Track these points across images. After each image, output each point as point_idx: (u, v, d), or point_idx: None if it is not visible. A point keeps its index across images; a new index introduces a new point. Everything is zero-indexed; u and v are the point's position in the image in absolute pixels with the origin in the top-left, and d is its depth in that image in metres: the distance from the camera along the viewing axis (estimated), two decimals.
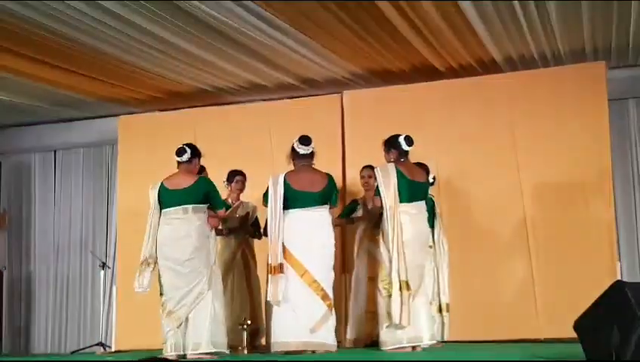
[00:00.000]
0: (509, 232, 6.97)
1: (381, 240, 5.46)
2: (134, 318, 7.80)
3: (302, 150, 5.59)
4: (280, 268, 5.33)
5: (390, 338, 5.34)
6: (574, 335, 3.95)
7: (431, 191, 6.12)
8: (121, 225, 8.50)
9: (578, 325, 3.92)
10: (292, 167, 5.68)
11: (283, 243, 5.40)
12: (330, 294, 5.45)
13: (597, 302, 3.87)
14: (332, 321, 5.45)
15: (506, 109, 7.17)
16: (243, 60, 6.90)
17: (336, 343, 5.49)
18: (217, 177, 6.81)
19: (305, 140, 5.62)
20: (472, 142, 7.21)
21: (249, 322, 6.09)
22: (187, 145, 5.70)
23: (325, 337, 5.37)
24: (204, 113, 8.31)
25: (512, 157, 7.07)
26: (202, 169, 6.36)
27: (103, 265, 8.40)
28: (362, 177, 6.45)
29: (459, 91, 7.37)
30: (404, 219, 5.42)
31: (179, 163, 5.66)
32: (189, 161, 5.67)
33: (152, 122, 8.55)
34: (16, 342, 9.37)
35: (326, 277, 5.47)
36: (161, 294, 5.44)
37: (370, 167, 6.12)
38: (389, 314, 5.28)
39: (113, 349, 8.06)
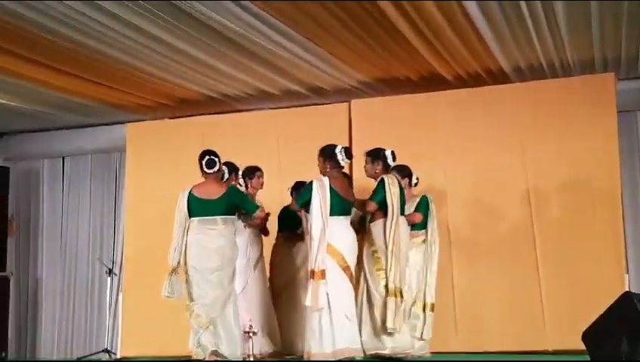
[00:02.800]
0: (517, 243, 6.94)
1: (383, 247, 5.49)
2: (140, 325, 7.81)
3: (343, 162, 5.62)
4: (323, 274, 5.30)
5: (394, 344, 5.39)
6: (582, 346, 3.93)
7: (415, 191, 6.16)
8: (128, 232, 8.52)
9: (586, 336, 3.90)
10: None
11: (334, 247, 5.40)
12: None
13: (605, 313, 3.85)
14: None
15: (514, 119, 7.16)
16: (252, 68, 6.92)
17: None
18: None
19: (350, 154, 5.66)
20: (480, 152, 7.20)
21: (255, 330, 6.05)
22: (212, 154, 5.68)
23: (359, 342, 5.42)
24: (212, 120, 8.33)
25: (520, 168, 7.06)
26: (236, 169, 6.25)
27: (110, 272, 8.42)
28: None
29: (467, 101, 7.36)
30: (402, 230, 5.56)
31: (208, 173, 5.66)
32: (218, 171, 5.70)
33: (160, 129, 8.57)
34: (22, 347, 9.38)
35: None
36: (191, 300, 5.46)
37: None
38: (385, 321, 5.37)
39: (118, 356, 8.06)
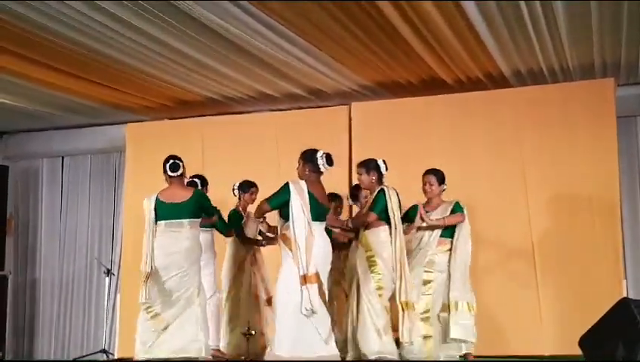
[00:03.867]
0: (515, 247, 6.94)
1: (383, 256, 5.45)
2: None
3: (323, 168, 5.47)
4: (313, 278, 5.21)
5: (380, 349, 5.33)
6: (579, 351, 3.94)
7: (444, 197, 6.01)
8: (126, 232, 8.51)
9: (584, 341, 3.91)
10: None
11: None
12: None
13: (603, 318, 3.86)
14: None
15: (513, 124, 7.17)
16: (252, 70, 6.92)
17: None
18: (224, 185, 6.87)
19: (331, 162, 5.49)
20: (479, 156, 7.21)
21: (253, 332, 6.08)
22: (177, 158, 5.75)
23: (334, 348, 5.35)
24: (212, 122, 8.34)
25: (519, 172, 7.06)
26: (205, 182, 6.46)
27: (108, 272, 8.41)
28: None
29: (467, 105, 7.37)
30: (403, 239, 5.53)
31: (172, 177, 5.71)
32: (182, 174, 5.76)
33: (160, 130, 8.57)
34: (20, 347, 9.38)
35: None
36: (153, 301, 5.49)
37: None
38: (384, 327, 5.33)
39: (116, 356, 8.05)
